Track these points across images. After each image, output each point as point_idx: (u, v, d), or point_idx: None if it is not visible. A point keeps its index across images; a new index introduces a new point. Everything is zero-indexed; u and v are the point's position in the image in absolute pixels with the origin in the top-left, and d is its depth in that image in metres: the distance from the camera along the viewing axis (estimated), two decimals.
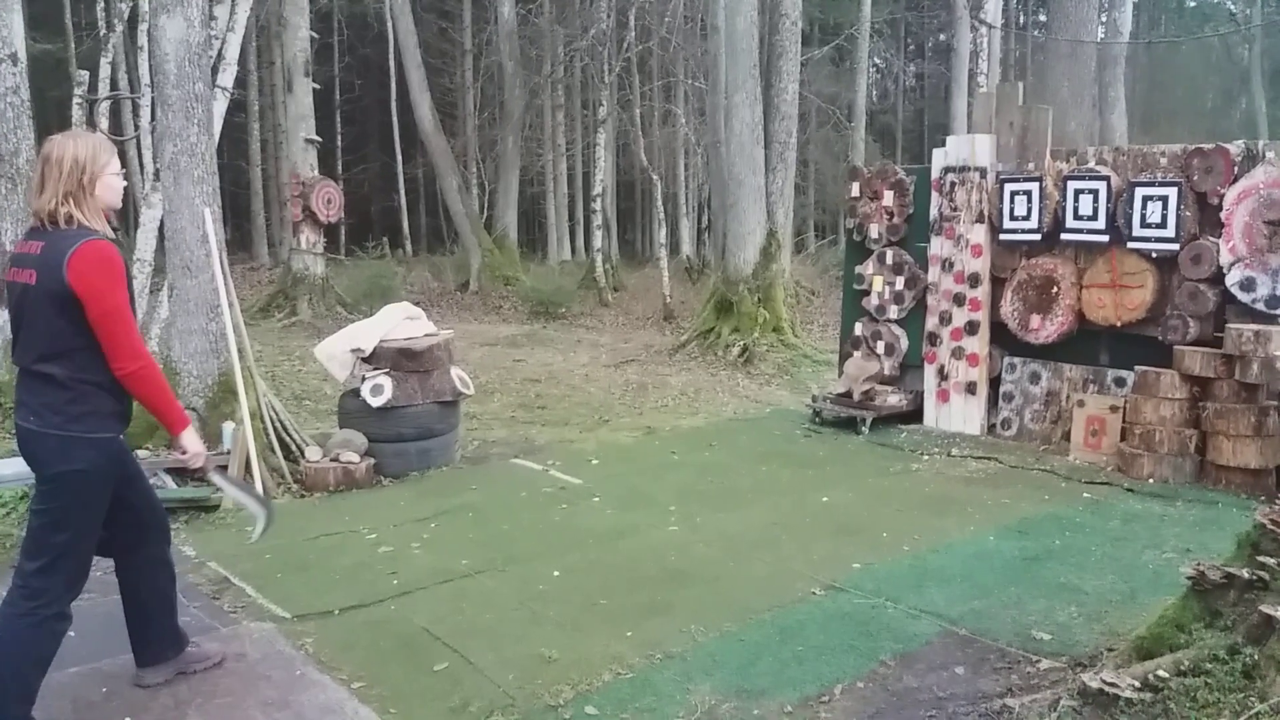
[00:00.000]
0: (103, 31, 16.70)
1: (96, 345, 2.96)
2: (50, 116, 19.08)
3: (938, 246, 7.75)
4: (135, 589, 3.36)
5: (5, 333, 6.79)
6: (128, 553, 3.33)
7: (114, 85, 15.47)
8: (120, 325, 2.96)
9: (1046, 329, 7.14)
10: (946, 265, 7.69)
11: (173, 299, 6.34)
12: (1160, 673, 2.82)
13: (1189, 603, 3.09)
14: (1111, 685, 2.81)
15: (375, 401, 6.39)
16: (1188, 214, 6.40)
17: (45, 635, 2.99)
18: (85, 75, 10.92)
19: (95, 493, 3.04)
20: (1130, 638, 3.39)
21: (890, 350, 8.15)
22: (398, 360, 6.54)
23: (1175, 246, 6.45)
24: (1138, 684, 2.81)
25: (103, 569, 3.32)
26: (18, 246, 3.07)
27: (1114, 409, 6.61)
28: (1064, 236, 7.01)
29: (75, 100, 10.28)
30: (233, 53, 8.68)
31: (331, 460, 6.21)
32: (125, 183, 3.25)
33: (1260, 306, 6.11)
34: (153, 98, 7.17)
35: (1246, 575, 2.94)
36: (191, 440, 3.26)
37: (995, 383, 7.60)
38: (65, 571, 3.02)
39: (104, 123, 11.14)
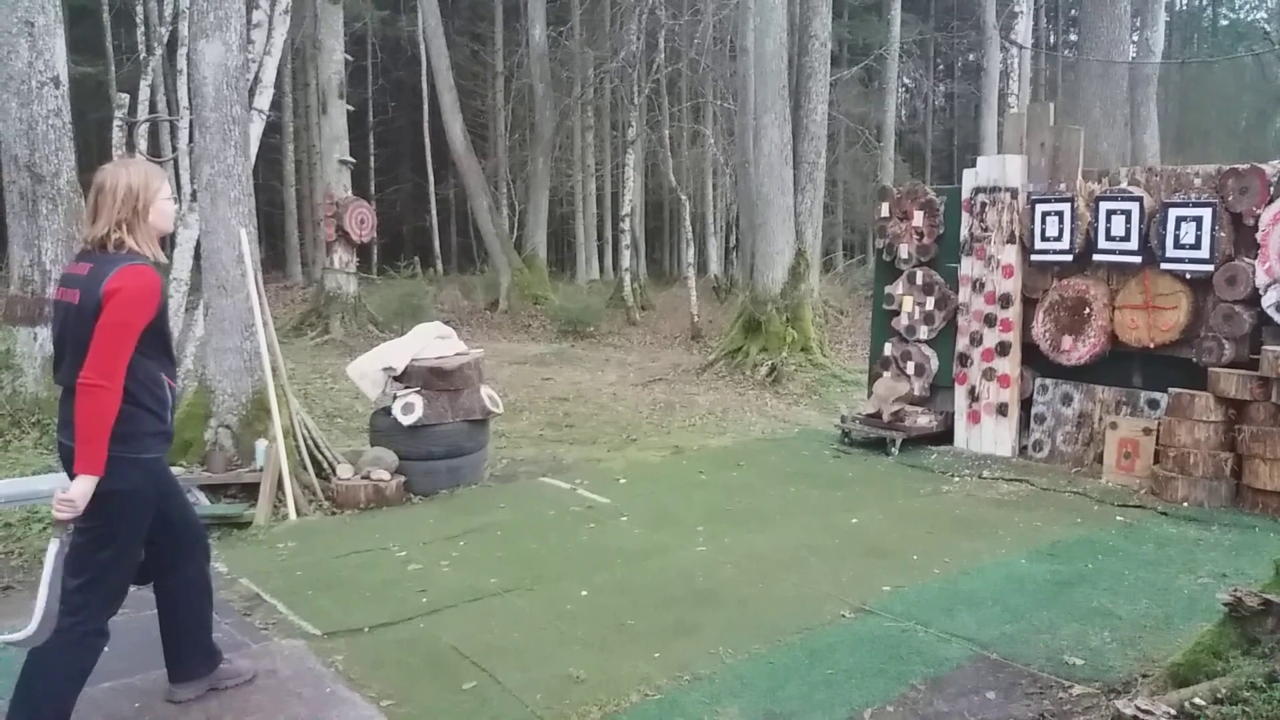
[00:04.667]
0: (142, 55, 17.03)
1: (136, 366, 2.98)
2: (90, 138, 19.49)
3: (968, 267, 7.72)
4: (172, 606, 3.40)
5: (46, 350, 6.91)
6: (166, 571, 3.37)
7: (153, 108, 15.77)
8: (116, 341, 2.91)
9: (1078, 350, 7.08)
10: (977, 286, 7.65)
11: (208, 318, 6.44)
12: (1196, 700, 2.78)
13: (1225, 629, 3.05)
14: (1146, 713, 2.77)
15: (406, 420, 6.44)
16: (1222, 235, 6.33)
17: (84, 651, 3.03)
18: (125, 98, 11.14)
19: (138, 511, 3.09)
20: (1165, 664, 3.35)
21: (920, 371, 8.11)
22: (429, 379, 6.59)
23: (1209, 268, 6.38)
24: (1173, 711, 2.77)
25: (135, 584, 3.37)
26: (67, 267, 3.13)
27: (1147, 431, 6.54)
28: (1096, 257, 6.96)
29: (115, 122, 10.48)
30: (269, 75, 8.81)
31: (362, 478, 6.26)
32: (177, 206, 3.32)
33: None
34: (191, 120, 7.30)
35: None
36: (83, 492, 2.90)
37: (1027, 404, 7.53)
38: (106, 588, 3.07)
39: (143, 144, 11.35)
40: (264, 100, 8.89)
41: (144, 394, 3.03)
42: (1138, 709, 2.80)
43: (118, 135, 10.45)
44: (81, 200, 7.31)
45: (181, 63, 11.10)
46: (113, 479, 2.98)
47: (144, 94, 13.11)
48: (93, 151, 18.77)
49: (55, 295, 3.09)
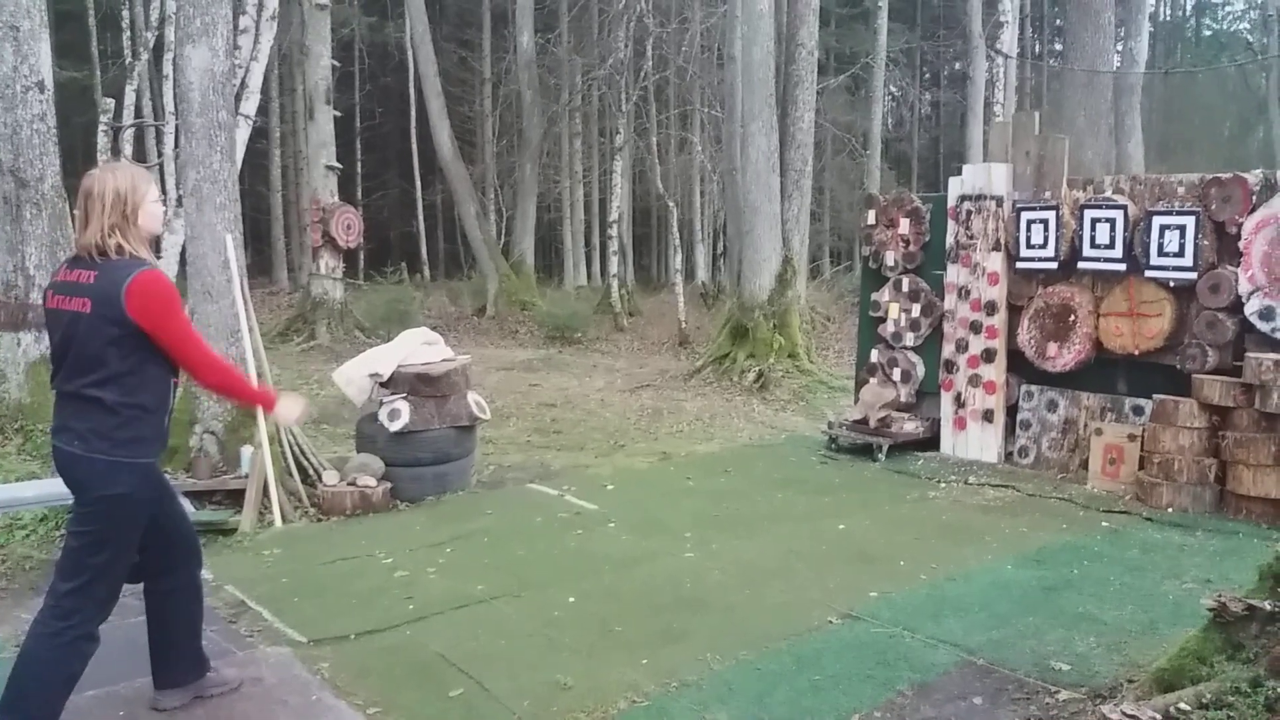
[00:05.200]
0: (128, 60, 16.97)
1: (144, 371, 3.05)
2: (76, 143, 19.38)
3: (954, 274, 7.75)
4: (162, 612, 3.39)
5: (30, 355, 6.86)
6: (158, 576, 3.37)
7: (138, 113, 15.70)
8: (192, 347, 3.14)
9: (1064, 357, 7.12)
10: (963, 293, 7.68)
11: (193, 323, 6.40)
12: (1181, 705, 2.79)
13: (1210, 634, 3.07)
14: (1131, 718, 2.78)
15: (392, 426, 6.42)
16: (1205, 243, 6.38)
17: (74, 655, 3.03)
18: (110, 103, 11.09)
19: (136, 515, 3.11)
20: (1150, 669, 3.36)
21: (906, 377, 8.13)
22: (415, 385, 6.57)
23: (1193, 275, 6.43)
24: (1158, 716, 2.78)
25: (125, 592, 3.34)
26: (62, 275, 3.09)
27: (1132, 438, 6.57)
28: (1081, 265, 7.00)
29: (100, 127, 10.44)
30: (256, 81, 8.81)
31: (348, 484, 6.24)
32: (165, 209, 3.34)
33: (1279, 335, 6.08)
34: (176, 125, 7.28)
35: (1269, 607, 2.91)
36: (287, 411, 3.55)
37: (1012, 410, 7.57)
38: (99, 592, 3.07)
39: (128, 150, 11.31)
40: (250, 105, 8.88)
41: (150, 398, 3.08)
42: (1123, 714, 2.81)
43: (103, 140, 10.40)
44: (66, 206, 7.28)
45: (167, 68, 11.09)
46: (112, 483, 3.01)
47: (129, 99, 13.07)
48: (78, 156, 18.66)
49: (50, 304, 3.07)
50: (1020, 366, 7.48)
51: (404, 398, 6.53)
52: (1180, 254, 6.47)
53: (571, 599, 4.57)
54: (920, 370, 8.08)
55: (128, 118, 12.54)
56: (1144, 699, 3.02)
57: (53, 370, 3.13)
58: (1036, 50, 33.10)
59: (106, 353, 2.98)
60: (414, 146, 25.30)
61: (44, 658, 2.98)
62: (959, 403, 7.73)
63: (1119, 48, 17.62)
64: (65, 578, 3.04)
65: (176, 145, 7.46)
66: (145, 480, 3.12)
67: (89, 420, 3.01)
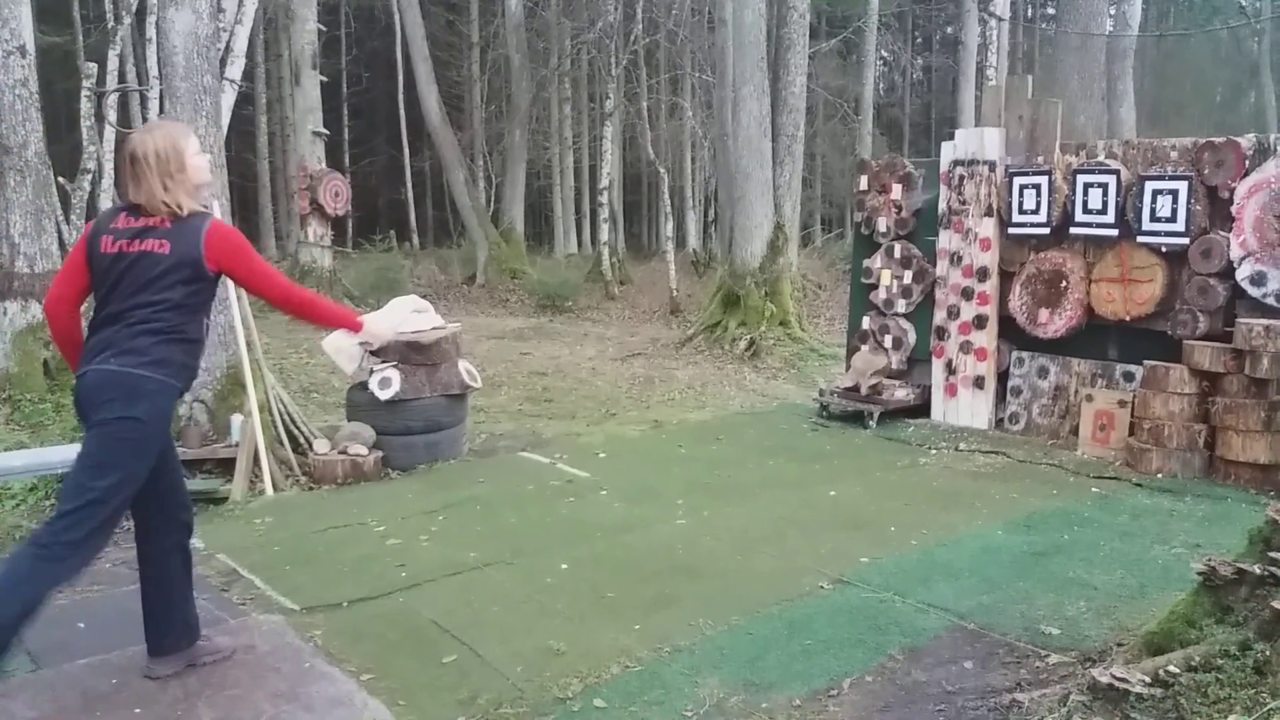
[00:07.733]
0: (111, 24, 16.68)
1: (197, 307, 3.24)
2: (59, 109, 19.14)
3: (946, 240, 7.73)
4: (157, 577, 3.38)
5: (16, 324, 6.81)
6: (151, 537, 3.36)
7: (122, 78, 15.44)
8: (273, 282, 3.33)
9: (1055, 323, 7.12)
10: (955, 259, 7.66)
11: None
12: (1171, 668, 2.81)
13: (1199, 598, 3.08)
14: (1121, 680, 2.80)
15: (383, 394, 6.40)
16: (1198, 208, 6.37)
17: (53, 572, 3.00)
18: (93, 68, 10.88)
19: (146, 444, 3.12)
20: (1140, 633, 3.39)
21: (898, 344, 8.13)
22: (405, 353, 6.54)
23: (1185, 241, 6.42)
24: (1148, 679, 2.80)
25: (112, 561, 3.33)
26: (122, 222, 3.17)
27: (1122, 404, 6.59)
28: (1073, 230, 6.98)
29: (84, 93, 10.26)
30: (240, 45, 8.66)
31: (340, 453, 6.22)
32: (209, 156, 3.44)
33: (1271, 301, 6.08)
34: (161, 90, 7.17)
35: (1258, 571, 2.93)
36: (378, 329, 3.72)
37: (1003, 377, 7.58)
38: (97, 516, 3.03)
39: (112, 115, 11.15)
40: (235, 70, 8.74)
41: (199, 331, 3.28)
42: (1113, 677, 2.83)
43: (86, 106, 10.23)
44: (50, 173, 7.21)
45: (151, 31, 10.90)
46: (140, 405, 3.07)
47: (113, 64, 12.82)
48: (61, 123, 18.45)
49: (108, 249, 3.14)
50: (1012, 333, 7.48)
51: (394, 366, 6.50)
52: (1172, 219, 6.45)
53: (564, 566, 4.58)
54: (912, 337, 8.08)
55: (111, 83, 12.32)
56: (1133, 662, 3.05)
57: (96, 307, 3.19)
58: (1029, 14, 32.87)
59: (174, 289, 3.13)
60: (402, 112, 25.06)
61: (24, 563, 2.98)
62: (950, 369, 7.74)
63: (1112, 11, 17.49)
64: (68, 499, 3.04)
65: (161, 111, 7.35)
66: (163, 415, 3.17)
67: (135, 342, 3.09)
